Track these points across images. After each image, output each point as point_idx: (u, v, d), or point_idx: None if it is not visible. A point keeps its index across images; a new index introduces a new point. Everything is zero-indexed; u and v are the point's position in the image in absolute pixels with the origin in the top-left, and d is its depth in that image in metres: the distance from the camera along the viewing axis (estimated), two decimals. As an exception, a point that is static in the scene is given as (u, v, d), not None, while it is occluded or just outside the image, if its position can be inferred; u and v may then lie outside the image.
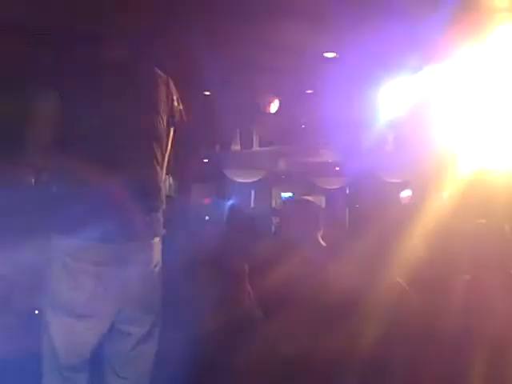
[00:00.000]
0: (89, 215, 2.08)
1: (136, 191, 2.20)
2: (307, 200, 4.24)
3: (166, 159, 2.38)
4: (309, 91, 8.06)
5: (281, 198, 14.38)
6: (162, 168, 2.34)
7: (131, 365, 2.21)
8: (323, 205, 20.74)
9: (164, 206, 2.42)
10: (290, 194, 14.37)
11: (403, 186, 13.75)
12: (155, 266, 2.26)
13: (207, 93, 8.24)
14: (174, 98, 2.38)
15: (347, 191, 17.41)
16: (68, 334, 2.08)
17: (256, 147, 9.79)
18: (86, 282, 2.07)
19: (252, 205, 15.14)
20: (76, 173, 2.10)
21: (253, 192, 14.18)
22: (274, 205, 13.48)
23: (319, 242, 3.57)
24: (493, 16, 4.32)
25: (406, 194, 16.84)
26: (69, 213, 2.10)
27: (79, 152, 2.09)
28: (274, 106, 7.06)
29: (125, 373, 2.20)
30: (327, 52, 5.95)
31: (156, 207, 2.35)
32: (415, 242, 4.37)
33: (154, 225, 2.37)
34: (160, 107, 2.28)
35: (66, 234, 2.09)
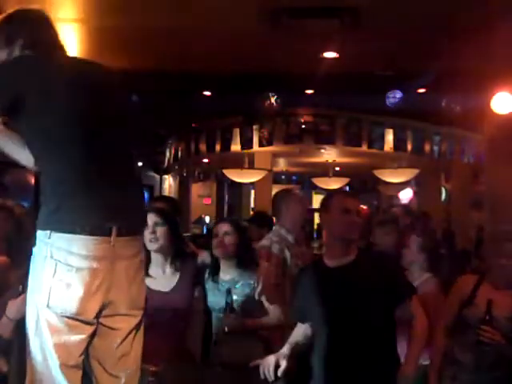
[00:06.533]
0: (84, 210, 2.07)
1: (131, 188, 2.23)
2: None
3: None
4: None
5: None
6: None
7: (121, 362, 2.19)
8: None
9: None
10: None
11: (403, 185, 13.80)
12: (140, 261, 2.25)
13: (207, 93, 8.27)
14: None
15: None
16: (62, 334, 2.05)
17: (256, 147, 9.79)
18: (81, 279, 2.04)
19: (252, 205, 15.16)
20: (71, 169, 2.09)
21: (253, 192, 14.17)
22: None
23: None
24: None
25: (406, 193, 16.85)
26: (64, 208, 2.07)
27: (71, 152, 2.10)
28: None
29: (116, 371, 2.19)
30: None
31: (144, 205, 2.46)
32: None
33: (143, 222, 2.46)
34: None
35: (58, 230, 2.06)
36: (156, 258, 3.12)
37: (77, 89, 2.15)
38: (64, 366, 2.07)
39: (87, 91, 2.16)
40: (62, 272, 2.04)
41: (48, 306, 2.05)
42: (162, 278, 3.10)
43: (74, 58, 2.38)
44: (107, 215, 2.09)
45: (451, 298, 3.19)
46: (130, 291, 2.16)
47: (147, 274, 3.03)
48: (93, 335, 2.14)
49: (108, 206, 2.11)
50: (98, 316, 2.12)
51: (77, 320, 2.07)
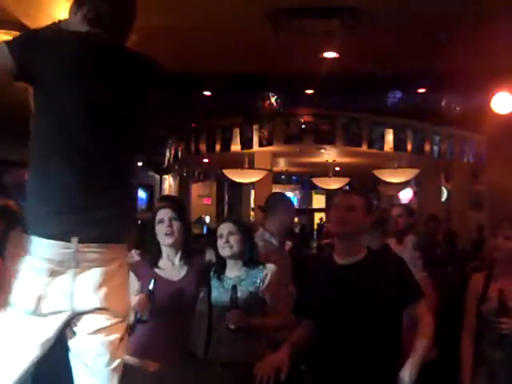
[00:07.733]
0: (47, 213, 2.03)
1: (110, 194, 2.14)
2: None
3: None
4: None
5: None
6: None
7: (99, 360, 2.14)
8: (323, 205, 20.76)
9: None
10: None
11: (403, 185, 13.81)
12: (118, 268, 2.16)
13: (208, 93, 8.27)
14: None
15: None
16: (19, 331, 2.04)
17: (256, 147, 9.80)
18: (39, 280, 2.03)
19: (252, 205, 15.16)
20: (46, 169, 2.05)
21: (253, 192, 14.18)
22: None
23: None
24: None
25: (406, 193, 16.85)
26: (31, 209, 2.06)
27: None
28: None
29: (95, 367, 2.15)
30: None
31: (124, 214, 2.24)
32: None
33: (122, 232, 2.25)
34: None
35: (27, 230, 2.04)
36: (167, 251, 3.18)
37: (90, 78, 2.08)
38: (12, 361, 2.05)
39: (102, 84, 2.10)
40: (24, 271, 2.04)
41: (10, 304, 2.06)
42: (171, 268, 3.17)
43: (115, 46, 2.30)
44: (69, 224, 2.04)
45: (468, 300, 3.19)
46: (99, 296, 2.10)
47: (157, 266, 3.14)
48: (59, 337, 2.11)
49: (75, 214, 2.05)
50: (63, 321, 2.08)
51: (36, 320, 2.05)
